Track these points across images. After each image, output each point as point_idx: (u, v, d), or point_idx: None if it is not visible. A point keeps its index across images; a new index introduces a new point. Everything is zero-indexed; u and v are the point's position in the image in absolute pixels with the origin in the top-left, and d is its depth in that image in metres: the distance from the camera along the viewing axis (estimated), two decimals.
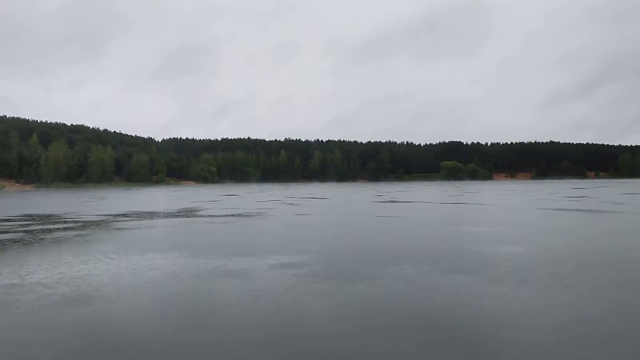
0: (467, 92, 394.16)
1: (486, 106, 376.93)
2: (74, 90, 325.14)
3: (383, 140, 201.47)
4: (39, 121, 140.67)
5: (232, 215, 18.95)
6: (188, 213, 20.78)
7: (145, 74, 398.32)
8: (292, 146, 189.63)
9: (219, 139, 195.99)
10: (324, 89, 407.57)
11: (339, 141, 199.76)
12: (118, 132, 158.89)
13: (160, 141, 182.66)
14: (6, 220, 18.17)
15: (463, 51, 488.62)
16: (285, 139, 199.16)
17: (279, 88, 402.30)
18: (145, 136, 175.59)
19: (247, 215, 18.88)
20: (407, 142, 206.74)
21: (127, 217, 18.91)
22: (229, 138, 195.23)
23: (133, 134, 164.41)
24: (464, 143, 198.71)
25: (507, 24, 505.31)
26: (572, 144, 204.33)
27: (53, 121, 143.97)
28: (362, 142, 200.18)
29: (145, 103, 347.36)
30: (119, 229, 14.20)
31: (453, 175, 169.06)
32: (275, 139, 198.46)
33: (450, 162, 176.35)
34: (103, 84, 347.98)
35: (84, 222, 16.67)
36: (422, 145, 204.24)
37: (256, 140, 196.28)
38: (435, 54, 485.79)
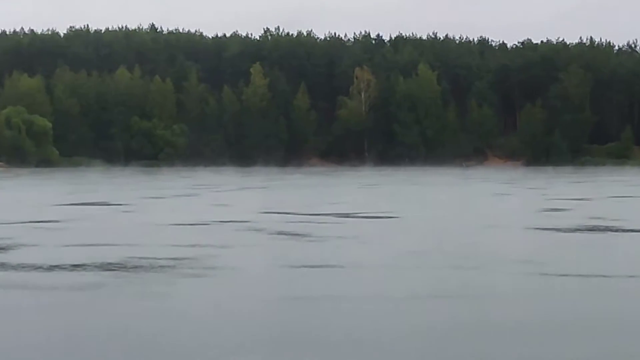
0: None
1: None
2: None
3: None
4: None
5: (100, 270, 7.84)
6: None
7: None
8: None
9: (77, 30, 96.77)
10: None
11: (401, 38, 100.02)
12: None
13: None
14: None
15: None
16: (235, 33, 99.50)
17: None
18: None
19: (138, 272, 8.13)
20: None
21: None
22: (97, 30, 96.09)
23: None
24: None
25: None
26: None
27: None
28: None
29: None
30: None
31: None
32: (222, 34, 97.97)
33: None
34: None
35: None
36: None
37: (173, 33, 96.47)
38: None
